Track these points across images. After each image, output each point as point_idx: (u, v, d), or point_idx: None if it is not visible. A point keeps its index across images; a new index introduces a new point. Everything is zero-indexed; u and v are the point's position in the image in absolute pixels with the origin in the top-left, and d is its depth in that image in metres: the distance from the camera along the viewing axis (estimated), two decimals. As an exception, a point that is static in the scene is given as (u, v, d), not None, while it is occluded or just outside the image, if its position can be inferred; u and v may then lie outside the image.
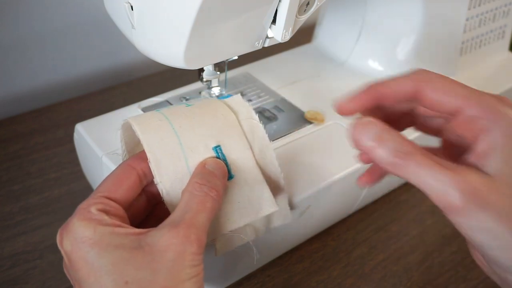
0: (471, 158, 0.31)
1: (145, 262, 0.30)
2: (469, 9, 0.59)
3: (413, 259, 0.53)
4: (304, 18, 0.41)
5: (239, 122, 0.38)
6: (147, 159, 0.35)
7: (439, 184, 0.29)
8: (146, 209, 0.38)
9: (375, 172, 0.37)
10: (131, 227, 0.32)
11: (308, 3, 0.39)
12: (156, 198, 0.37)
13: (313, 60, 0.65)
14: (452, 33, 0.60)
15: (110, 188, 0.34)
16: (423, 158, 0.30)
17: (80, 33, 0.75)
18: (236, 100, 0.39)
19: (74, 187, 0.59)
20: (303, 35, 0.71)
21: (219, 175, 0.35)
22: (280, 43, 0.42)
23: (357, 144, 0.32)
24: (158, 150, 0.35)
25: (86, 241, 0.30)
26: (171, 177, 0.35)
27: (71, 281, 0.33)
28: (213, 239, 0.37)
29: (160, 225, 0.32)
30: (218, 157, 0.36)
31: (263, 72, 0.60)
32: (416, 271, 0.52)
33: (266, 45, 0.42)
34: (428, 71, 0.33)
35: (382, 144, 0.30)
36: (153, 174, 0.35)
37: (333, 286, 0.50)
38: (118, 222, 0.32)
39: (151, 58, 0.40)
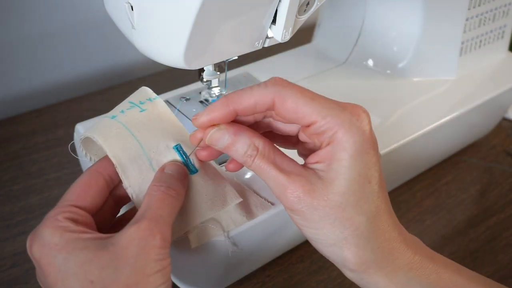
0: (313, 160, 0.34)
1: (109, 260, 0.30)
2: (469, 9, 0.59)
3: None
4: (304, 18, 0.41)
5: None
6: (112, 164, 0.36)
7: (276, 185, 0.34)
8: (114, 212, 0.39)
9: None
10: (97, 232, 0.33)
11: (308, 3, 0.39)
12: (123, 201, 0.38)
13: (313, 60, 0.65)
14: (452, 33, 0.60)
15: (78, 195, 0.34)
16: (263, 161, 0.34)
17: (80, 33, 0.75)
18: (143, 91, 0.41)
19: (74, 187, 0.59)
20: (303, 35, 0.71)
21: (177, 176, 0.36)
22: (280, 43, 0.42)
23: (213, 147, 0.36)
24: (122, 156, 0.36)
25: (53, 246, 0.31)
26: (138, 180, 0.36)
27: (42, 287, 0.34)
28: (186, 232, 0.38)
29: (124, 227, 0.32)
30: (180, 155, 0.38)
31: (263, 72, 0.60)
32: (416, 271, 0.52)
33: (266, 45, 0.42)
34: (284, 82, 0.34)
35: (233, 149, 0.35)
36: (122, 179, 0.36)
37: (333, 286, 0.50)
38: (84, 229, 0.32)
39: (151, 58, 0.40)
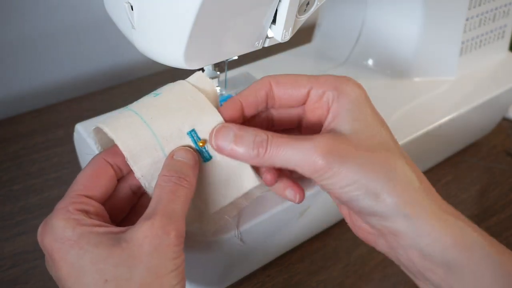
0: (326, 126, 0.35)
1: (123, 258, 0.30)
2: (469, 9, 0.59)
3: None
4: (304, 18, 0.41)
5: (209, 100, 0.38)
6: (120, 153, 0.34)
7: (300, 154, 0.33)
8: (131, 200, 0.38)
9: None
10: (111, 225, 0.32)
11: (308, 3, 0.39)
12: (141, 189, 0.37)
13: (313, 60, 0.65)
14: (452, 33, 0.60)
15: (87, 185, 0.34)
16: (279, 139, 0.33)
17: (80, 33, 0.75)
18: (197, 76, 0.39)
19: (74, 187, 0.59)
20: (303, 35, 0.71)
21: (189, 163, 0.35)
22: (280, 43, 0.42)
23: (221, 151, 0.35)
24: (133, 145, 0.34)
25: (65, 241, 0.31)
26: (150, 169, 0.35)
27: (53, 277, 0.33)
28: (200, 223, 0.37)
29: (137, 222, 0.32)
30: (193, 141, 0.36)
31: (263, 72, 0.60)
32: (416, 271, 0.52)
33: (266, 45, 0.42)
34: (273, 75, 0.37)
35: (240, 142, 0.34)
36: (133, 170, 0.34)
37: (333, 286, 0.50)
38: (97, 222, 0.32)
39: (151, 58, 0.40)
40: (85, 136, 0.48)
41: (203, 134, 0.36)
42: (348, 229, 0.55)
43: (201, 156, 0.36)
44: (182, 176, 0.34)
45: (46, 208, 0.56)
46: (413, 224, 0.33)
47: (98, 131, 0.37)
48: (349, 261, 0.53)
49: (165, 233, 0.31)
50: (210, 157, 0.36)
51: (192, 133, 0.36)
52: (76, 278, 0.30)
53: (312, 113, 0.37)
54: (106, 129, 0.35)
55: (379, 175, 0.33)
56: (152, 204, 0.32)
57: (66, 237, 0.31)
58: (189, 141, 0.36)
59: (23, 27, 0.70)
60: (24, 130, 0.67)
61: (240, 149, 0.34)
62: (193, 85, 0.38)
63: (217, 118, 0.36)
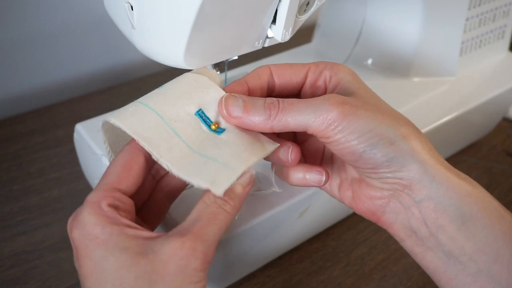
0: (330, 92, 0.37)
1: (146, 271, 0.29)
2: (469, 9, 0.59)
3: (413, 259, 0.53)
4: (304, 18, 0.41)
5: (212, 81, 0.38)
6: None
7: (312, 107, 0.33)
8: (152, 186, 0.37)
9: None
10: (139, 227, 0.31)
11: (308, 3, 0.39)
12: (159, 172, 0.37)
13: (313, 60, 0.65)
14: (452, 33, 0.60)
15: (120, 176, 0.33)
16: (289, 100, 0.34)
17: (80, 33, 0.75)
18: (201, 70, 0.39)
19: (74, 187, 0.59)
20: (303, 35, 0.71)
21: (241, 190, 0.33)
22: (280, 43, 0.42)
23: (229, 119, 0.35)
24: (142, 130, 0.34)
25: (93, 239, 0.30)
26: (167, 149, 0.34)
27: (77, 270, 0.32)
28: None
29: (170, 232, 0.31)
30: (203, 121, 0.36)
31: (263, 72, 0.60)
32: (416, 271, 0.52)
33: (266, 45, 0.42)
34: (268, 65, 0.38)
35: (250, 106, 0.34)
36: (150, 153, 0.33)
37: (333, 286, 0.50)
38: (127, 222, 0.31)
39: (151, 58, 0.40)
40: (85, 136, 0.48)
41: (211, 112, 0.36)
42: (348, 229, 0.55)
43: (214, 132, 0.36)
44: (228, 201, 0.32)
45: (46, 208, 0.56)
46: (429, 171, 0.33)
47: (107, 129, 0.36)
48: (349, 261, 0.53)
49: (194, 256, 0.30)
50: (223, 130, 0.36)
51: (200, 112, 0.36)
52: (97, 280, 0.30)
53: (311, 87, 0.38)
54: (113, 121, 0.34)
55: (391, 123, 0.33)
56: (190, 218, 0.31)
57: (95, 234, 0.30)
58: (198, 122, 0.36)
59: (23, 27, 0.70)
60: (24, 130, 0.67)
61: (251, 113, 0.34)
62: (196, 73, 0.38)
63: (222, 93, 0.37)
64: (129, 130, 0.34)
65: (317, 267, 0.52)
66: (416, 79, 0.61)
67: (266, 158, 0.36)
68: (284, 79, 0.38)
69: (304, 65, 0.38)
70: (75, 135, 0.51)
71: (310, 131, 0.34)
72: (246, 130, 0.36)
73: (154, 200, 0.38)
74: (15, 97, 0.74)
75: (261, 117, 0.34)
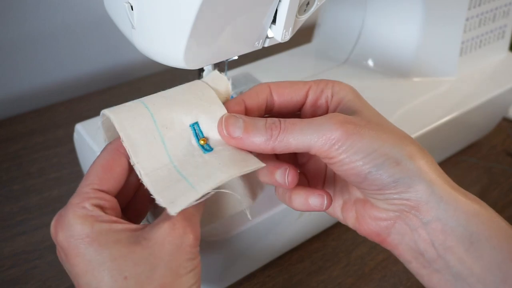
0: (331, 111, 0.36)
1: (144, 256, 0.30)
2: (469, 9, 0.59)
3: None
4: (304, 18, 0.41)
5: (218, 97, 0.37)
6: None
7: (315, 127, 0.32)
8: (136, 186, 0.37)
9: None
10: (126, 222, 0.32)
11: (308, 3, 0.39)
12: None
13: (313, 60, 0.65)
14: (452, 33, 0.60)
15: (101, 177, 0.33)
16: (292, 119, 0.33)
17: (80, 33, 0.75)
18: (214, 75, 0.39)
19: (74, 187, 0.58)
20: (303, 35, 0.71)
21: None
22: (280, 43, 0.42)
23: (229, 140, 0.34)
24: (131, 129, 0.33)
25: (83, 238, 0.30)
26: (147, 156, 0.33)
27: (67, 272, 0.33)
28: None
29: (155, 221, 0.32)
30: (194, 134, 0.35)
31: (263, 72, 0.60)
32: (416, 271, 0.52)
33: (266, 45, 0.42)
34: (267, 83, 0.38)
35: (251, 127, 0.34)
36: (129, 155, 0.33)
37: (333, 286, 0.50)
38: (114, 218, 0.32)
39: (151, 58, 0.40)
40: (85, 136, 0.48)
41: (206, 127, 0.36)
42: (348, 229, 0.55)
43: (202, 149, 0.35)
44: None
45: (46, 208, 0.56)
46: (436, 192, 0.32)
47: (108, 128, 0.36)
48: (349, 261, 0.53)
49: (185, 234, 0.31)
50: (211, 149, 0.35)
51: (195, 126, 0.36)
52: (94, 275, 0.30)
53: (312, 106, 0.37)
54: (108, 114, 0.34)
55: (396, 143, 0.32)
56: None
57: (85, 234, 0.30)
58: (189, 134, 0.35)
59: (23, 27, 0.70)
60: (24, 130, 0.67)
61: (251, 134, 0.33)
62: (207, 83, 0.38)
63: (224, 113, 0.36)
64: (118, 125, 0.33)
65: (317, 267, 0.52)
66: (416, 79, 0.61)
67: (264, 182, 0.36)
68: (284, 97, 0.37)
69: (304, 83, 0.37)
70: (75, 135, 0.51)
71: (313, 152, 0.33)
72: (238, 150, 0.35)
73: (139, 198, 0.38)
74: (15, 97, 0.74)
75: (262, 138, 0.33)
